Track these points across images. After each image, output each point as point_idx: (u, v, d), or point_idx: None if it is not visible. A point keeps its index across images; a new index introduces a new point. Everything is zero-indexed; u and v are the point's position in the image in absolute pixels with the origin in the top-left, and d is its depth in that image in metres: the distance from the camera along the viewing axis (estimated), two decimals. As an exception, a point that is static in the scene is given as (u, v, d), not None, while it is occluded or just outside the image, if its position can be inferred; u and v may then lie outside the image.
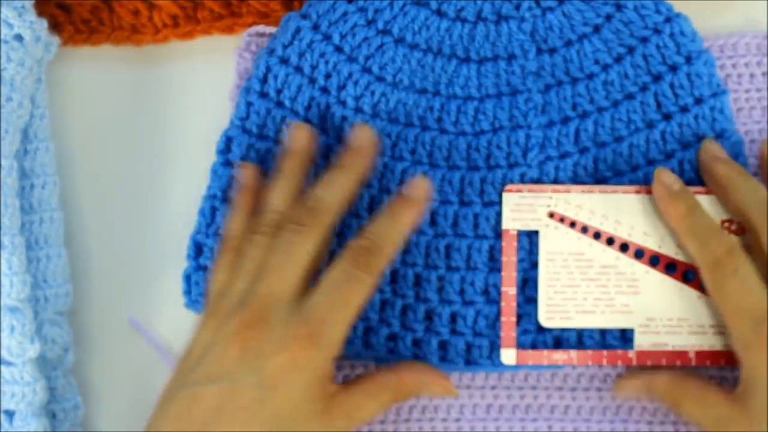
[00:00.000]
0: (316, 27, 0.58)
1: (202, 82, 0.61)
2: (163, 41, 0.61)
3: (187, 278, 0.57)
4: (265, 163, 0.57)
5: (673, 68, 0.57)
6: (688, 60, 0.57)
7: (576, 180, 0.58)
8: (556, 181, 0.58)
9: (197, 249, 0.57)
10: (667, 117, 0.57)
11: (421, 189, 0.55)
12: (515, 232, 0.57)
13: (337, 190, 0.54)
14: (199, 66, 0.61)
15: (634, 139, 0.58)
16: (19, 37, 0.57)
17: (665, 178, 0.55)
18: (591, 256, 0.56)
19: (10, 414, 0.56)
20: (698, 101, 0.57)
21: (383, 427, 0.59)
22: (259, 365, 0.50)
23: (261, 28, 0.60)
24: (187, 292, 0.57)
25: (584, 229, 0.57)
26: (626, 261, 0.56)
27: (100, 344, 0.60)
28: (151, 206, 0.61)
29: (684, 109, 0.57)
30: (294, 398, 0.50)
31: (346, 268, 0.52)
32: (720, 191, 0.55)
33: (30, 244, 0.57)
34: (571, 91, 0.58)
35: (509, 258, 0.57)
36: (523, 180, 0.58)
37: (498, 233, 0.58)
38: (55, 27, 0.60)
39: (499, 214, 0.58)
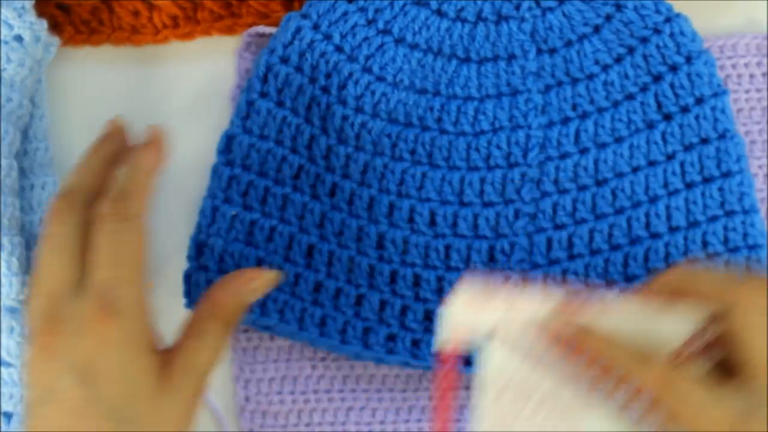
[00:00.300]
0: (316, 27, 0.58)
1: (202, 82, 0.61)
2: (163, 42, 0.61)
3: (187, 279, 0.57)
4: (267, 164, 0.57)
5: (674, 68, 0.57)
6: (689, 60, 0.57)
7: (576, 181, 0.58)
8: (557, 182, 0.58)
9: (198, 250, 0.57)
10: (668, 117, 0.57)
11: (153, 133, 0.53)
12: (456, 355, 0.48)
13: (81, 169, 0.52)
14: (199, 66, 0.61)
15: (635, 139, 0.57)
16: (18, 38, 0.57)
17: (557, 327, 0.47)
18: (535, 382, 0.48)
19: (8, 416, 0.56)
20: (699, 101, 0.57)
21: (383, 427, 0.59)
22: (71, 363, 0.46)
23: (261, 28, 0.60)
24: (187, 293, 0.57)
25: (532, 347, 0.47)
26: (571, 391, 0.47)
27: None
28: (151, 206, 0.60)
29: (685, 110, 0.57)
30: (121, 379, 0.47)
31: (104, 228, 0.48)
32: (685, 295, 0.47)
33: (29, 245, 0.57)
34: (571, 92, 0.58)
35: (445, 399, 0.47)
36: (523, 180, 0.57)
37: (499, 233, 0.58)
38: (55, 28, 0.60)
39: (498, 215, 0.58)
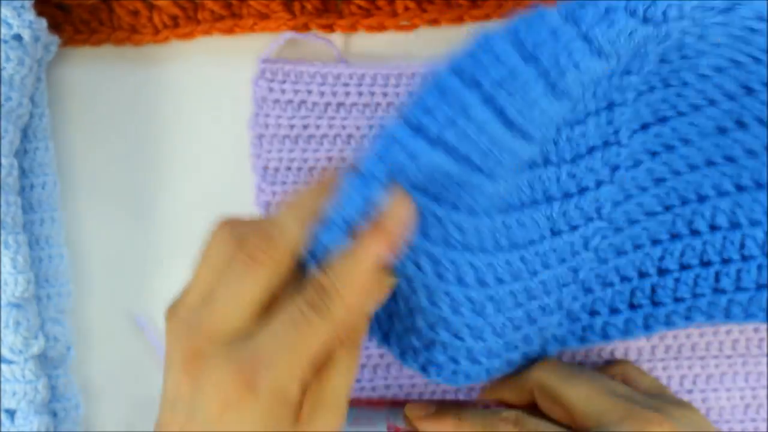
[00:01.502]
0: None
1: (202, 82, 0.61)
2: (163, 41, 0.61)
3: None
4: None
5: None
6: None
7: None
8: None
9: None
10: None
11: (398, 214, 0.44)
12: None
13: (303, 213, 0.44)
14: (199, 66, 0.61)
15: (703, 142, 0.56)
16: (18, 37, 0.57)
17: (411, 412, 0.53)
18: None
19: (11, 413, 0.55)
20: None
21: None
22: (202, 404, 0.43)
23: (272, 49, 0.59)
24: None
25: None
26: None
27: (101, 343, 0.60)
28: (151, 206, 0.61)
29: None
30: None
31: (300, 308, 0.43)
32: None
33: (31, 244, 0.57)
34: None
35: None
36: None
37: (514, 243, 0.53)
38: (54, 27, 0.59)
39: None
